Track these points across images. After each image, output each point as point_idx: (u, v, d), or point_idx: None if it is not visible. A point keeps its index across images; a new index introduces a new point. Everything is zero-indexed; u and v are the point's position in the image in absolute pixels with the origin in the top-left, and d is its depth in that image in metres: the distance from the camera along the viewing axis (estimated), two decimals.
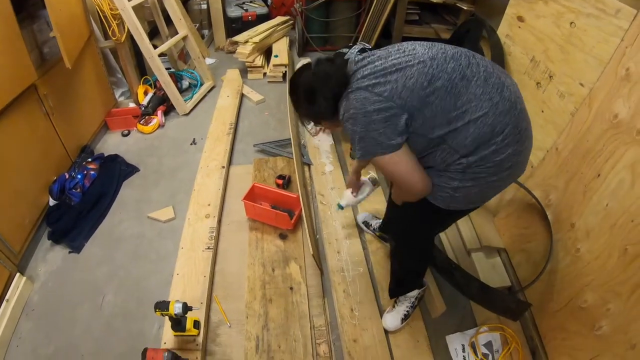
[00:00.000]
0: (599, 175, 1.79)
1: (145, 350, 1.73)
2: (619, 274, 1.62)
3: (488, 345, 2.10)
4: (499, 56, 2.64)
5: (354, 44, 3.39)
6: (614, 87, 1.77)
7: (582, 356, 1.75)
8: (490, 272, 2.35)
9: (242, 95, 4.20)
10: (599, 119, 1.83)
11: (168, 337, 2.01)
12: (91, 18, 3.42)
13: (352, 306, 2.20)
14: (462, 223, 2.58)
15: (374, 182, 2.43)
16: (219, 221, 2.68)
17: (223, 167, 3.07)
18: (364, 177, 2.42)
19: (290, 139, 2.89)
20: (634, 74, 1.67)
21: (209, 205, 2.72)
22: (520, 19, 2.55)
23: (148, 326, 2.17)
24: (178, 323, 1.93)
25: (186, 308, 1.83)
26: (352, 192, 2.39)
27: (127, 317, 2.23)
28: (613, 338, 1.61)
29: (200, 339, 2.01)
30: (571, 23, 2.10)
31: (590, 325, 1.72)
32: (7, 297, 2.17)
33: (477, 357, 2.05)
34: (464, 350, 2.08)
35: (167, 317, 1.94)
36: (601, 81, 1.87)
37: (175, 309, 1.81)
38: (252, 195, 2.66)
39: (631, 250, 1.57)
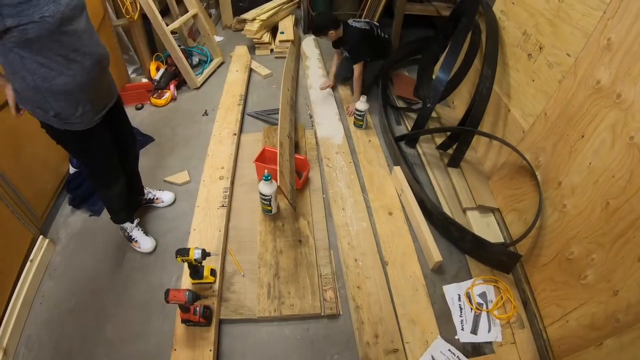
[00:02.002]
0: (582, 136, 1.94)
1: (167, 290, 1.85)
2: (602, 226, 1.76)
3: (482, 295, 2.24)
4: (493, 30, 2.77)
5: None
6: (597, 56, 1.91)
7: (570, 305, 1.88)
8: (485, 229, 2.51)
9: (251, 70, 4.34)
10: (583, 85, 1.97)
11: (186, 286, 2.16)
12: None
13: (356, 257, 2.36)
14: (458, 183, 2.76)
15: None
16: (232, 183, 2.84)
17: (235, 134, 3.23)
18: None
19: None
20: (614, 43, 1.81)
21: (222, 168, 2.88)
22: None
23: (167, 277, 2.32)
24: (196, 271, 2.08)
25: (205, 254, 1.97)
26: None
27: (146, 271, 2.37)
28: (597, 286, 1.74)
29: (216, 286, 2.17)
30: None
31: (576, 276, 1.86)
32: (30, 257, 2.29)
33: (472, 305, 2.19)
34: (459, 300, 2.22)
35: (185, 266, 2.09)
36: (585, 51, 2.01)
37: (195, 254, 1.95)
38: (263, 158, 2.81)
39: (612, 203, 1.71)
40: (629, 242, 1.63)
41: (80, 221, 2.66)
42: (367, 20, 3.64)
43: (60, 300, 2.24)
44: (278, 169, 2.30)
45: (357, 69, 3.45)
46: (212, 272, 2.15)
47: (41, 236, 2.42)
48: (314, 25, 3.49)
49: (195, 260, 1.96)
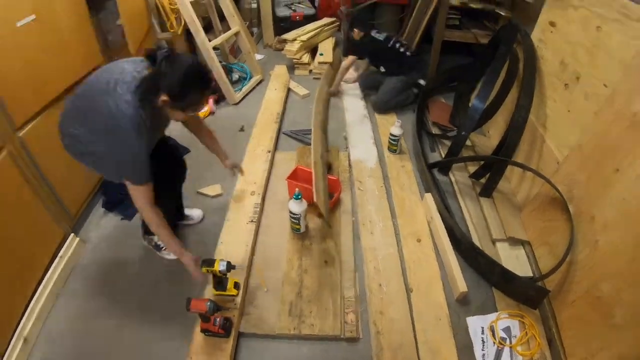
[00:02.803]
0: (617, 170, 1.88)
1: (189, 299, 1.87)
2: (633, 264, 1.69)
3: (506, 330, 2.18)
4: (531, 59, 2.76)
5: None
6: (635, 87, 1.86)
7: (596, 345, 1.80)
8: (513, 262, 2.45)
9: (289, 90, 4.42)
10: (620, 117, 1.92)
11: (209, 297, 2.16)
12: (151, 12, 3.69)
13: (381, 282, 2.34)
14: (489, 213, 2.71)
15: None
16: (263, 199, 2.87)
17: (269, 151, 3.27)
18: None
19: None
20: None
21: (254, 183, 2.92)
22: (552, 24, 2.66)
23: (191, 289, 2.29)
24: (220, 282, 2.09)
25: (230, 266, 1.98)
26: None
27: (170, 278, 2.40)
28: (626, 327, 1.67)
29: (238, 299, 2.17)
30: (598, 27, 2.22)
31: (605, 315, 1.78)
32: (60, 254, 2.37)
33: (495, 340, 2.13)
34: (482, 333, 2.17)
35: (210, 277, 2.10)
36: (623, 82, 1.97)
37: (220, 266, 1.96)
38: (295, 177, 2.83)
39: None
40: None
41: (112, 224, 2.74)
42: (388, 34, 3.99)
43: (85, 299, 2.30)
44: (314, 187, 2.32)
45: (345, 60, 4.05)
46: (236, 285, 2.15)
47: (72, 234, 2.49)
48: (354, 17, 4.10)
49: (220, 272, 1.97)
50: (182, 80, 1.60)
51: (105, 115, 1.62)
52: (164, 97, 1.61)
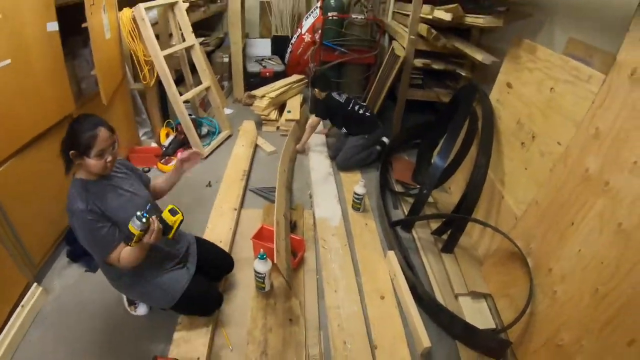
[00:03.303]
0: (572, 223, 1.98)
1: (154, 358, 1.86)
2: (591, 312, 1.76)
3: None
4: (489, 119, 2.88)
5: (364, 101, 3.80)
6: (586, 145, 1.99)
7: None
8: (476, 315, 2.48)
9: (256, 146, 4.47)
10: (573, 173, 2.04)
11: (174, 354, 2.14)
12: (125, 62, 3.75)
13: (345, 339, 2.32)
14: (451, 269, 2.75)
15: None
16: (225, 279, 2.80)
17: (235, 209, 3.28)
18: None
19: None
20: (602, 132, 1.90)
21: (220, 242, 2.89)
22: (509, 85, 2.81)
23: (155, 344, 2.27)
24: (165, 228, 1.88)
25: (140, 217, 1.74)
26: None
27: (135, 334, 2.33)
28: None
29: (203, 358, 2.13)
30: (551, 89, 2.36)
31: None
32: (22, 303, 2.30)
33: None
34: None
35: (174, 335, 2.07)
36: (575, 140, 2.09)
37: (136, 227, 1.73)
38: (261, 236, 2.83)
39: (601, 289, 1.73)
40: (618, 328, 1.62)
41: (75, 275, 2.67)
42: (348, 96, 4.14)
43: (46, 350, 2.22)
44: (275, 247, 2.31)
45: (311, 118, 4.22)
46: (172, 211, 1.90)
47: (35, 283, 2.43)
48: (316, 76, 4.13)
49: (141, 230, 1.74)
50: (71, 130, 1.75)
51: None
52: (71, 153, 1.74)
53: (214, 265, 2.49)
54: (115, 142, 1.85)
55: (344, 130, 4.21)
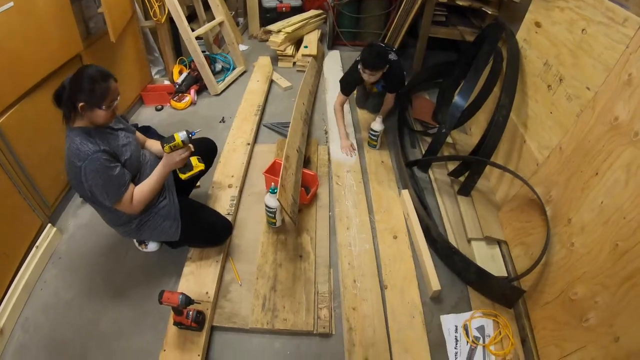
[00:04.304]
0: (596, 173, 1.88)
1: (162, 292, 1.86)
2: (609, 267, 1.69)
3: (480, 329, 2.18)
4: (514, 58, 2.74)
5: (383, 41, 3.55)
6: (617, 91, 1.86)
7: (569, 347, 1.80)
8: (489, 261, 2.45)
9: (272, 81, 4.38)
10: (601, 120, 1.92)
11: (183, 288, 2.18)
12: None
13: (355, 278, 2.32)
14: (466, 212, 2.70)
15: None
16: (241, 191, 2.85)
17: (248, 144, 3.25)
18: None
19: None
20: (635, 79, 1.76)
21: (232, 176, 2.89)
22: (537, 24, 2.65)
23: (166, 279, 2.34)
24: (185, 165, 2.03)
25: (188, 133, 1.92)
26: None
27: (146, 270, 2.40)
28: (599, 330, 1.67)
29: (212, 292, 2.17)
30: (583, 30, 2.20)
31: (578, 317, 1.78)
32: (37, 243, 2.37)
33: (469, 339, 2.13)
34: (456, 331, 2.16)
35: (184, 269, 2.10)
36: (605, 85, 1.96)
37: (181, 136, 1.90)
38: (273, 170, 2.79)
39: (621, 245, 1.65)
40: (635, 287, 1.55)
41: (88, 214, 2.71)
42: (390, 46, 3.46)
43: (61, 288, 2.30)
44: (280, 182, 2.28)
45: (393, 98, 3.46)
46: (200, 160, 2.11)
47: (49, 224, 2.49)
48: (372, 58, 2.96)
49: (182, 142, 1.91)
50: (85, 79, 1.73)
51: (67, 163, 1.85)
52: (80, 104, 1.73)
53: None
54: (118, 91, 1.87)
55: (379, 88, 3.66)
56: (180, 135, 1.90)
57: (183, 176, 2.06)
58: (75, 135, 1.79)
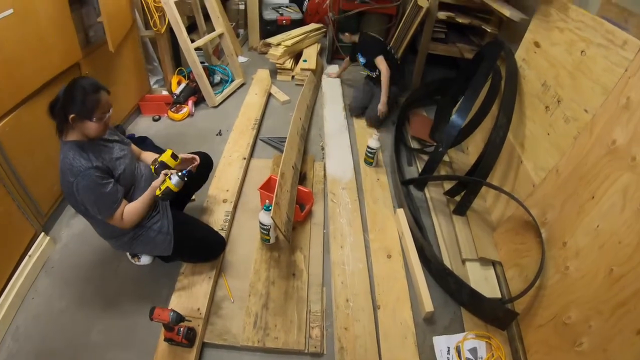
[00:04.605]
0: (593, 197, 1.86)
1: (153, 308, 1.85)
2: (603, 292, 1.67)
3: (473, 351, 2.15)
4: (513, 78, 2.74)
5: None
6: (615, 115, 1.85)
7: None
8: (483, 283, 2.43)
9: (270, 95, 4.38)
10: (599, 144, 1.91)
11: (175, 303, 2.16)
12: (135, 9, 3.63)
13: (348, 297, 2.30)
14: (461, 232, 2.68)
15: None
16: (235, 207, 2.83)
17: (244, 158, 3.23)
18: None
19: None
20: (633, 102, 1.76)
21: (227, 191, 2.87)
22: (536, 44, 2.66)
23: (158, 293, 2.31)
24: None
25: (182, 177, 1.96)
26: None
27: (138, 282, 2.38)
28: (592, 355, 1.65)
29: (203, 309, 2.14)
30: (582, 51, 2.21)
31: (571, 341, 1.76)
32: (29, 252, 2.35)
33: None
34: (448, 353, 2.13)
35: (176, 283, 2.08)
36: (603, 108, 1.95)
37: (172, 181, 1.94)
38: (268, 186, 2.77)
39: (617, 270, 1.63)
40: (629, 313, 1.54)
41: (82, 224, 2.66)
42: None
43: (53, 297, 2.29)
44: (274, 200, 2.27)
45: (381, 64, 3.65)
46: (173, 156, 2.10)
47: (43, 233, 2.48)
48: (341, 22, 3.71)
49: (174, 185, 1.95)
50: (76, 91, 1.74)
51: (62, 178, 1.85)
52: (71, 116, 1.73)
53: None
54: (111, 104, 1.87)
55: (373, 74, 3.93)
56: (174, 183, 1.94)
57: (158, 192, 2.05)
58: (68, 150, 1.80)
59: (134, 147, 2.27)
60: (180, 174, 1.96)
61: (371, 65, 3.83)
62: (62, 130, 1.82)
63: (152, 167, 2.01)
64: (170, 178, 1.94)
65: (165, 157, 2.06)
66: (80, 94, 1.73)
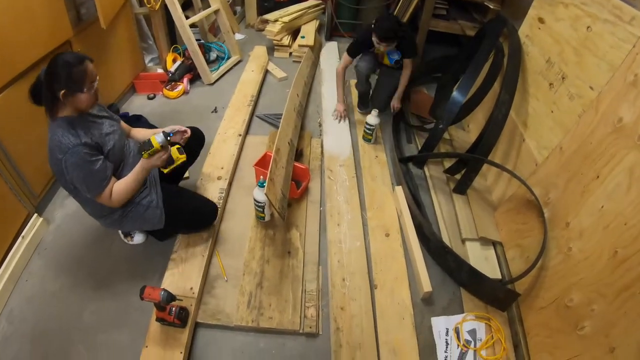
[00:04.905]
0: (597, 177, 1.81)
1: (143, 287, 1.82)
2: (607, 275, 1.63)
3: (472, 332, 2.12)
4: (516, 54, 2.68)
5: None
6: (621, 92, 1.79)
7: (562, 355, 1.75)
8: (483, 263, 2.39)
9: (267, 72, 4.31)
10: (604, 122, 1.85)
11: (168, 283, 2.13)
12: None
13: (344, 276, 2.26)
14: (461, 211, 2.64)
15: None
16: (230, 184, 2.78)
17: (240, 135, 3.17)
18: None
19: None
20: None
21: (222, 168, 2.82)
22: (540, 20, 2.58)
23: (151, 272, 2.29)
24: (169, 161, 2.04)
25: (166, 135, 1.92)
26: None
27: (131, 262, 2.35)
28: (594, 339, 1.62)
29: (196, 288, 2.11)
30: (588, 27, 2.13)
31: (573, 325, 1.73)
32: (22, 234, 2.32)
33: (460, 342, 2.07)
34: (447, 334, 2.11)
35: (168, 262, 2.07)
36: (610, 85, 1.88)
37: (157, 138, 1.88)
38: (264, 163, 2.72)
39: (621, 252, 1.58)
40: (634, 297, 1.49)
41: (75, 204, 2.57)
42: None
43: (46, 279, 2.27)
44: (268, 175, 2.22)
45: (409, 66, 3.29)
46: (180, 150, 2.10)
47: (36, 214, 2.45)
48: (385, 29, 2.88)
49: (161, 146, 1.89)
50: (60, 66, 1.70)
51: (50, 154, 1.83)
52: (61, 92, 1.70)
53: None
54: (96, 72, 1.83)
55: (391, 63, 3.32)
56: (158, 140, 1.88)
57: (165, 170, 2.05)
58: (57, 127, 1.77)
59: (123, 124, 2.23)
60: (163, 132, 1.92)
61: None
62: (53, 109, 1.79)
63: (146, 155, 1.93)
64: (155, 137, 1.89)
65: (173, 149, 2.05)
66: (65, 69, 1.69)
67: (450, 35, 4.29)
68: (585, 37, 2.15)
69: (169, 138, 1.92)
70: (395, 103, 3.44)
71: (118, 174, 1.97)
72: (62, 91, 1.70)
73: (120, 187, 1.92)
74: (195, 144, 2.50)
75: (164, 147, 1.91)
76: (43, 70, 1.75)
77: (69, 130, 1.76)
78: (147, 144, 1.88)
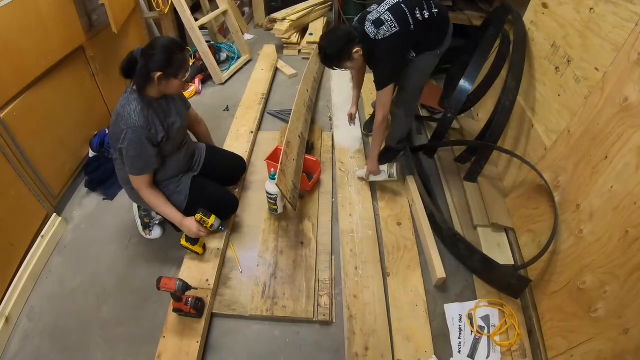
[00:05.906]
0: (606, 157, 1.80)
1: (160, 278, 1.86)
2: (619, 256, 1.62)
3: (485, 318, 2.12)
4: (521, 41, 2.67)
5: None
6: (626, 71, 1.78)
7: (577, 338, 1.75)
8: (494, 249, 2.40)
9: (277, 69, 4.35)
10: (610, 102, 1.84)
11: (184, 275, 2.18)
12: None
13: (357, 265, 2.28)
14: (472, 199, 2.64)
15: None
16: (244, 179, 2.82)
17: (252, 132, 3.22)
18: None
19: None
20: None
21: None
22: (544, 5, 2.57)
23: (167, 268, 2.33)
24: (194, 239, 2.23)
25: (220, 226, 2.22)
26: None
27: (149, 257, 2.40)
28: (608, 321, 1.61)
29: (212, 279, 2.15)
30: (590, 9, 2.12)
31: (586, 307, 1.72)
32: (42, 233, 2.38)
33: (473, 328, 2.08)
34: (460, 321, 2.11)
35: (184, 239, 2.21)
36: (614, 65, 1.87)
37: (215, 224, 2.19)
38: (275, 157, 2.74)
39: (632, 232, 1.57)
40: None
41: (94, 203, 2.74)
42: (391, 2, 2.30)
43: (66, 277, 2.33)
44: (279, 167, 2.25)
45: (380, 98, 2.37)
46: (204, 247, 2.29)
47: (55, 214, 2.50)
48: (323, 54, 2.32)
49: (210, 226, 2.20)
50: (162, 49, 1.81)
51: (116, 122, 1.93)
52: (157, 74, 1.81)
53: (226, 167, 2.59)
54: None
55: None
56: (215, 223, 2.19)
57: (184, 242, 2.23)
58: (134, 100, 1.89)
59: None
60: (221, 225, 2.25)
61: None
62: (143, 87, 1.88)
63: (199, 217, 2.19)
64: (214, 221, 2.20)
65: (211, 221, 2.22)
66: (166, 53, 1.81)
67: (458, 26, 4.27)
68: (588, 19, 2.14)
69: (220, 229, 2.24)
70: (368, 166, 2.68)
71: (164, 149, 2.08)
72: (159, 74, 1.81)
73: (152, 195, 2.08)
74: (237, 172, 2.70)
75: (210, 231, 2.23)
76: (139, 49, 1.85)
77: (143, 112, 1.88)
78: (207, 214, 2.18)
